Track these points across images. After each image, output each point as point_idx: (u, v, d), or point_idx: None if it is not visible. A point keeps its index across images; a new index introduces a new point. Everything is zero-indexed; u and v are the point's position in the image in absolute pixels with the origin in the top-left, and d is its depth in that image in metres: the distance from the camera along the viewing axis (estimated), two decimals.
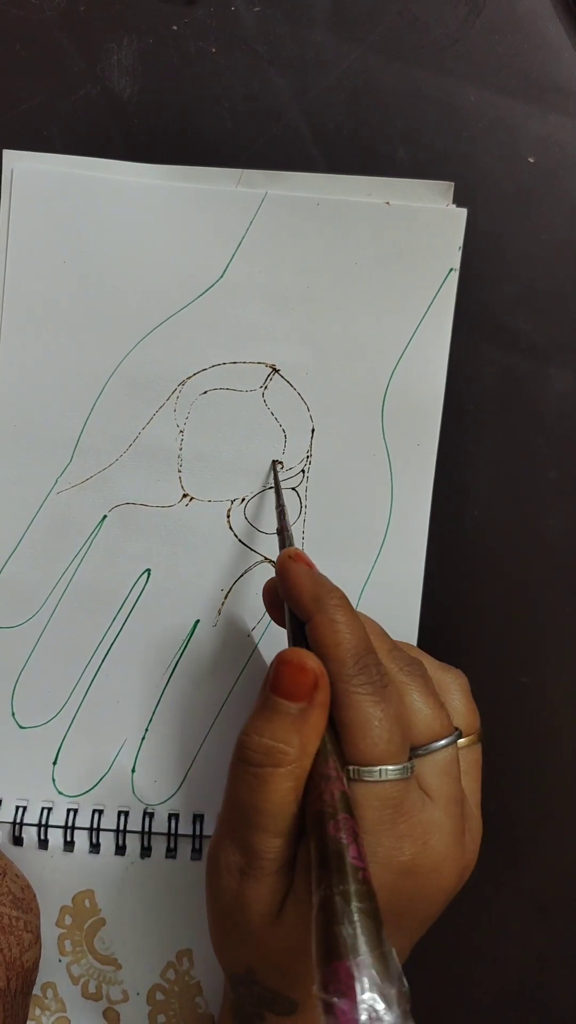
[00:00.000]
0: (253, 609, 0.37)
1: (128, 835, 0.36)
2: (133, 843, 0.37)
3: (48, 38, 0.37)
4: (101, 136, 0.37)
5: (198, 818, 0.36)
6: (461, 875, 0.28)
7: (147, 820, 0.36)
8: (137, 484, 0.37)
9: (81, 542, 0.37)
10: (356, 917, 0.22)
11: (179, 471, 0.37)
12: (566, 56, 0.37)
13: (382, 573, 0.37)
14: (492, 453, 0.38)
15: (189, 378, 0.37)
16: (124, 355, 0.36)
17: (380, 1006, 0.20)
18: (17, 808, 0.37)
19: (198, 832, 0.36)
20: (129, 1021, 0.37)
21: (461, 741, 0.30)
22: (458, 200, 0.36)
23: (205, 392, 0.37)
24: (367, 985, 0.20)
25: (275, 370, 0.37)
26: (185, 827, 0.36)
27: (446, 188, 0.36)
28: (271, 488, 0.37)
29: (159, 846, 0.37)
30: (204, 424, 0.37)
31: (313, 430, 0.37)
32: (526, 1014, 0.38)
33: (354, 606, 0.36)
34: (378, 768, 0.26)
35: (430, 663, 0.32)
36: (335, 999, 0.20)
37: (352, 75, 0.37)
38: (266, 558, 0.37)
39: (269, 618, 0.36)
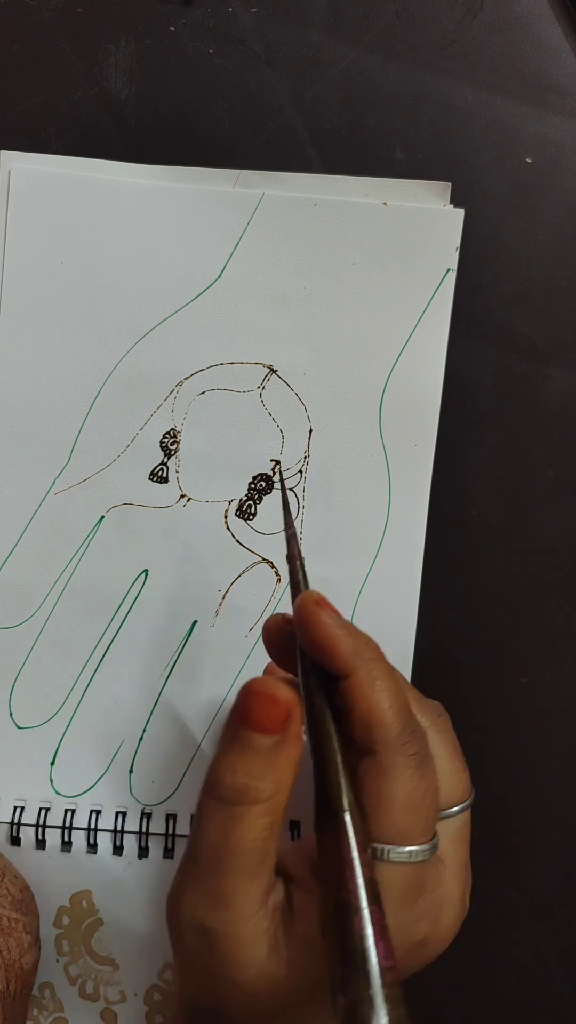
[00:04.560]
0: (251, 610, 0.37)
1: (126, 835, 0.36)
2: (131, 843, 0.37)
3: (46, 39, 0.37)
4: (99, 137, 0.37)
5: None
6: (455, 931, 0.27)
7: (145, 820, 0.36)
8: (135, 484, 0.37)
9: (79, 543, 0.37)
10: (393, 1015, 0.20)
11: (177, 471, 0.37)
12: (564, 56, 0.37)
13: (380, 573, 0.37)
14: (490, 453, 0.37)
15: (186, 379, 0.37)
16: (122, 356, 0.36)
17: None
18: (15, 808, 0.37)
19: None
20: (126, 1021, 0.36)
21: None
22: (455, 200, 0.36)
23: (203, 393, 0.37)
24: None
25: (273, 370, 0.37)
26: (183, 827, 0.36)
27: (443, 188, 0.36)
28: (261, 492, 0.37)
29: (157, 847, 0.36)
30: (202, 425, 0.37)
31: (311, 430, 0.37)
32: (527, 1015, 0.38)
33: (352, 606, 0.37)
34: (408, 849, 0.24)
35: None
36: None
37: (349, 75, 0.37)
38: (264, 559, 0.37)
39: (267, 618, 0.36)
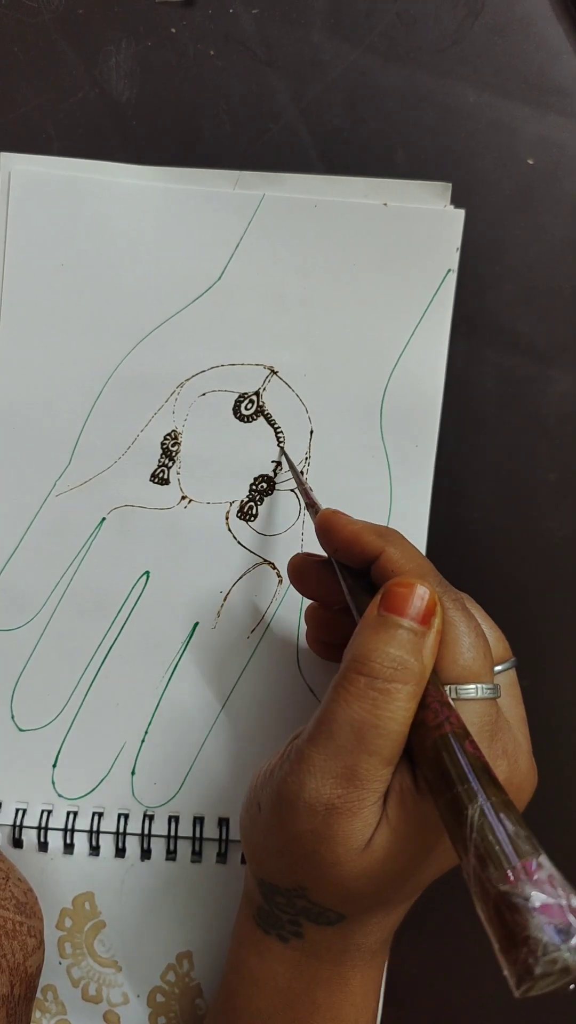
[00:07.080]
0: (252, 611, 0.37)
1: (128, 837, 0.36)
2: (133, 845, 0.36)
3: (46, 41, 0.37)
4: (99, 138, 0.37)
5: (198, 820, 0.36)
6: (532, 792, 0.29)
7: (147, 822, 0.36)
8: (136, 486, 0.37)
9: (80, 544, 0.37)
10: (521, 822, 0.22)
11: (178, 473, 0.37)
12: (565, 57, 0.37)
13: None
14: (491, 455, 0.37)
15: (187, 380, 0.37)
16: (122, 357, 0.36)
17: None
18: (17, 811, 0.36)
19: (198, 835, 0.36)
20: (129, 1023, 0.37)
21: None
22: (456, 201, 0.36)
23: (204, 394, 0.37)
24: (559, 880, 0.21)
25: (273, 372, 0.37)
26: (185, 829, 0.36)
27: (444, 189, 0.36)
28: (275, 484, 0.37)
29: (159, 848, 0.36)
30: (203, 426, 0.37)
31: (311, 432, 0.37)
32: (528, 1014, 0.38)
33: None
34: (474, 686, 0.26)
35: None
36: (534, 894, 0.20)
37: (350, 76, 0.37)
38: (265, 560, 0.37)
39: (268, 620, 0.36)
